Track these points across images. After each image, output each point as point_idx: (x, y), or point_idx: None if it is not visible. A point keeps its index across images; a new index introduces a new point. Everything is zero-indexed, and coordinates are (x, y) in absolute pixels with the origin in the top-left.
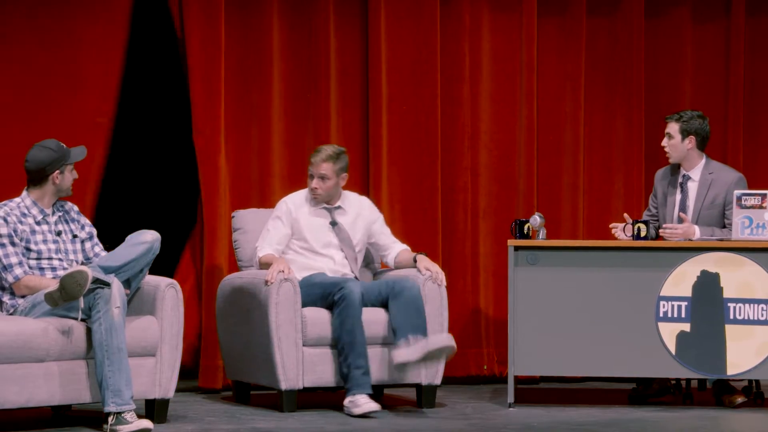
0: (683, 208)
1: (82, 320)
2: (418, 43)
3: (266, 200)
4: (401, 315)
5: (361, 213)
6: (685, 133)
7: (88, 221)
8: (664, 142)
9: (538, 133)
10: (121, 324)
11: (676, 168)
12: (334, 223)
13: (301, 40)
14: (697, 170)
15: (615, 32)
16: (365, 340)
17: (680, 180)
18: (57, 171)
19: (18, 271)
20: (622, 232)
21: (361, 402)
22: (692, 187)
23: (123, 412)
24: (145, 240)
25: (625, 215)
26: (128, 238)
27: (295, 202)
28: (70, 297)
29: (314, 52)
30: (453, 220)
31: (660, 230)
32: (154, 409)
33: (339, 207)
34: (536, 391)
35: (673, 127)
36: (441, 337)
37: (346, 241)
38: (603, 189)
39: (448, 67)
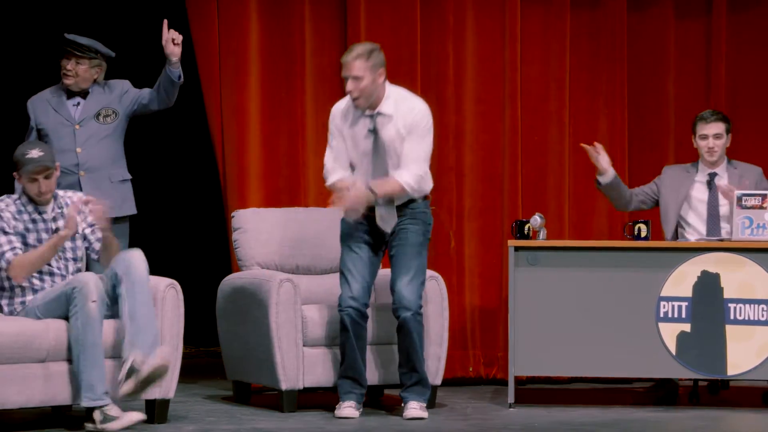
0: (714, 206)
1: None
2: (398, 41)
3: (246, 200)
4: (405, 365)
5: (401, 122)
6: (728, 132)
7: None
8: (712, 143)
9: (522, 133)
10: (97, 319)
11: (691, 168)
12: (372, 131)
13: (277, 40)
14: (723, 168)
15: (598, 28)
16: (351, 353)
17: (707, 179)
18: (17, 175)
19: (8, 255)
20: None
21: (343, 407)
22: (722, 185)
23: (96, 408)
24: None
25: (596, 144)
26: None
27: (341, 109)
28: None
29: (291, 51)
30: (438, 221)
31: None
32: (155, 410)
33: (379, 114)
34: (537, 391)
35: (720, 127)
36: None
37: (380, 155)
38: (587, 189)
39: (431, 67)
